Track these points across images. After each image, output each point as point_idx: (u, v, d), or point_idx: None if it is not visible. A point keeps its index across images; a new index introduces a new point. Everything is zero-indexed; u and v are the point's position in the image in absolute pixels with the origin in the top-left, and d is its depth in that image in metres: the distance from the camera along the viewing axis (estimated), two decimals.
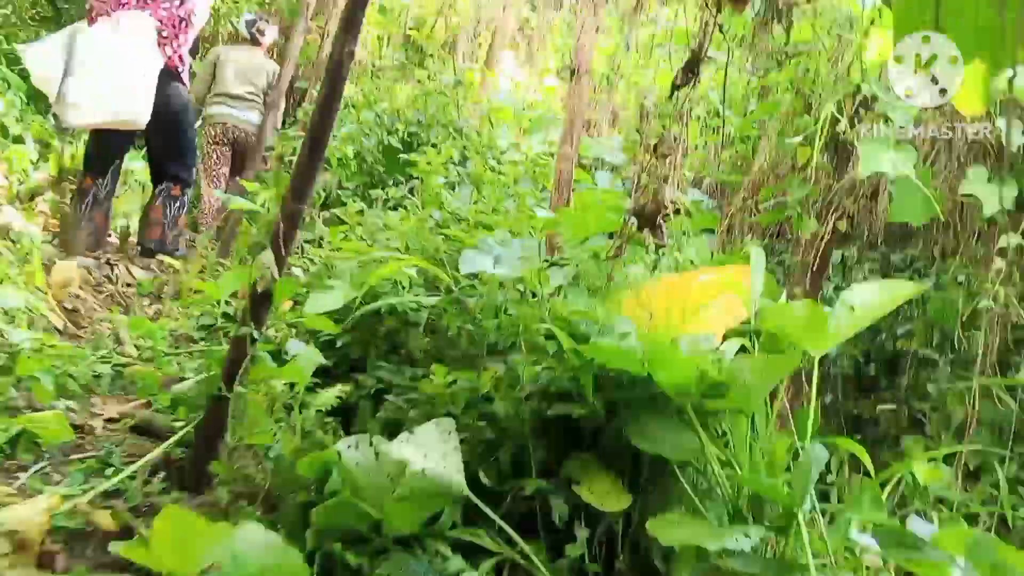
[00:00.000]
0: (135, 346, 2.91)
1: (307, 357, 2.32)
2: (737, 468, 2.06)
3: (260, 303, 2.08)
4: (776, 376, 2.05)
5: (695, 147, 4.50)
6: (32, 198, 4.39)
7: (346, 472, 2.13)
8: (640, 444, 2.06)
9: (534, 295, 2.58)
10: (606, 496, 2.09)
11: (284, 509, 2.19)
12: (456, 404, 2.24)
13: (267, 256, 2.00)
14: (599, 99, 6.06)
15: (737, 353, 2.24)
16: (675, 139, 2.10)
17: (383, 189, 4.26)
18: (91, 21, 4.24)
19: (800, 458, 1.97)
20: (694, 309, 2.58)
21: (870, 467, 2.25)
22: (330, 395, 2.43)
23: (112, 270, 3.96)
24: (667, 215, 2.17)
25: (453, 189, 4.00)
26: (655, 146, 2.14)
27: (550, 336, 2.29)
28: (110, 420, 2.41)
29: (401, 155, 4.51)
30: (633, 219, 2.24)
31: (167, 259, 4.17)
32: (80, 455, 2.17)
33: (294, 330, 3.01)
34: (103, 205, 4.23)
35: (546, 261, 2.61)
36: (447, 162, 4.05)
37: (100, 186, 4.25)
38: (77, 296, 3.45)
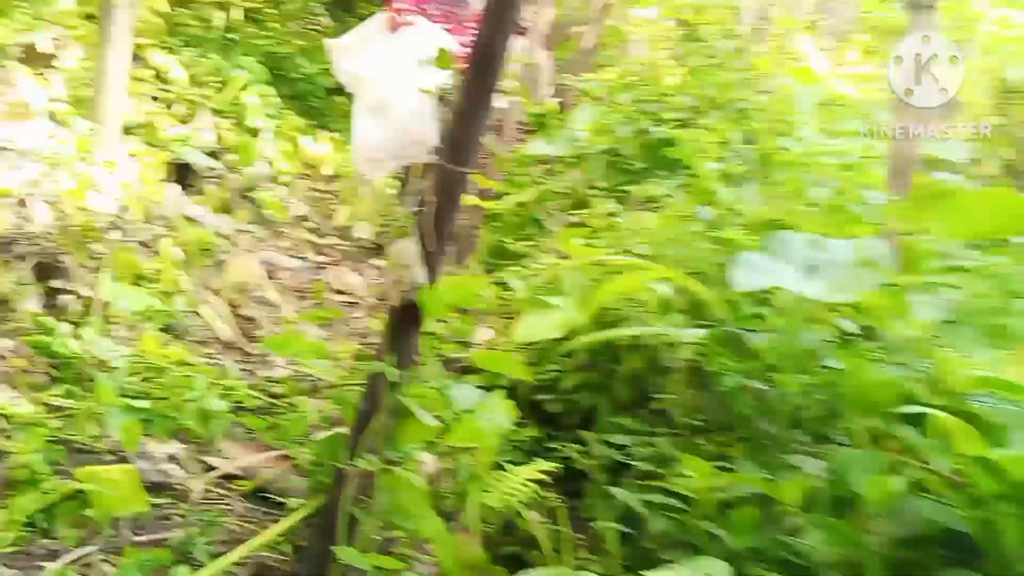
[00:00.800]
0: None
1: (489, 414, 1.46)
2: None
3: (402, 324, 1.26)
4: None
5: None
6: (250, 189, 4.09)
7: None
8: None
9: (869, 337, 1.51)
10: None
11: None
12: (736, 531, 1.24)
13: (406, 249, 1.16)
14: None
15: None
16: None
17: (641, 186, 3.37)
18: (393, 27, 3.84)
19: None
20: None
21: None
22: (525, 473, 1.56)
23: (320, 274, 3.46)
24: None
25: (736, 185, 2.97)
26: None
27: (912, 419, 1.21)
28: (227, 478, 1.74)
29: (666, 148, 3.56)
30: None
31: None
32: (153, 535, 1.49)
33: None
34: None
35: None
36: (724, 143, 3.03)
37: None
38: (266, 302, 2.95)
